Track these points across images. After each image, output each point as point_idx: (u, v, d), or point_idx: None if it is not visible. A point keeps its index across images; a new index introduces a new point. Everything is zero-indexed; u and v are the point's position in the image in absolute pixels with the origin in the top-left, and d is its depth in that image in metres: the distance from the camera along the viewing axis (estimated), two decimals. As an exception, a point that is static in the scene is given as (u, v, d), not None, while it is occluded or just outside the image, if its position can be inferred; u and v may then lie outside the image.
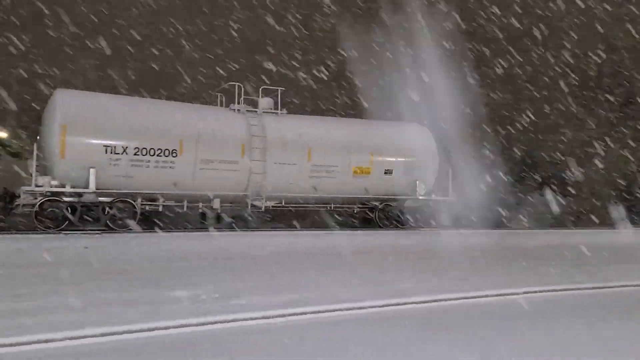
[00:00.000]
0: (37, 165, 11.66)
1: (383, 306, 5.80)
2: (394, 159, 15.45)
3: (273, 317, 5.20)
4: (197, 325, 4.85)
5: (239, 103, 14.20)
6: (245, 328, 4.92)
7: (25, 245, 9.60)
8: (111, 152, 11.98)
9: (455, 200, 16.56)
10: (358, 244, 12.07)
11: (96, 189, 11.83)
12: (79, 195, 11.90)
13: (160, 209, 13.36)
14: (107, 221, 12.21)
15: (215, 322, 4.94)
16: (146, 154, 12.32)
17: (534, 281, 7.53)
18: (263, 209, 14.50)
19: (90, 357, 4.10)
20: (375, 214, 15.59)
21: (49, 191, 11.58)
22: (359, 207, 15.92)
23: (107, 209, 12.22)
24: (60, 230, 11.59)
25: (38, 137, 12.46)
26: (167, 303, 5.70)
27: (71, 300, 5.59)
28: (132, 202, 12.46)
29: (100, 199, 12.23)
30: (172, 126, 12.73)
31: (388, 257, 9.92)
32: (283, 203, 14.59)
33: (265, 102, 14.88)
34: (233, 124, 13.59)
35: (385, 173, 15.32)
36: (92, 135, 11.88)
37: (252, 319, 5.14)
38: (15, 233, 11.25)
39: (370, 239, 13.10)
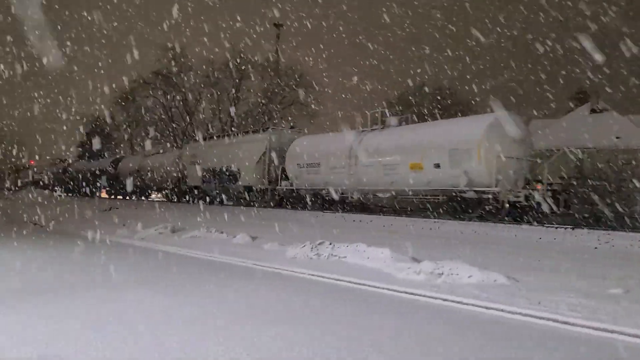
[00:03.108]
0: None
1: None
2: (440, 153, 16.95)
3: None
4: None
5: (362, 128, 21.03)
6: None
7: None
8: (299, 167, 23.03)
9: (500, 190, 15.25)
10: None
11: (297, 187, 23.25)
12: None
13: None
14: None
15: None
16: (307, 167, 22.45)
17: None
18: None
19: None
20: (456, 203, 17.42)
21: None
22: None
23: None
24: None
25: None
26: None
27: None
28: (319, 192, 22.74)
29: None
30: (318, 151, 22.07)
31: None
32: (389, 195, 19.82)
33: (391, 120, 20.53)
34: (344, 142, 20.89)
35: (434, 167, 17.18)
36: (292, 160, 23.42)
37: None
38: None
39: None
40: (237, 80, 48.48)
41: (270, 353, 4.28)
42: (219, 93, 48.65)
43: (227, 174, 27.60)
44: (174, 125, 50.67)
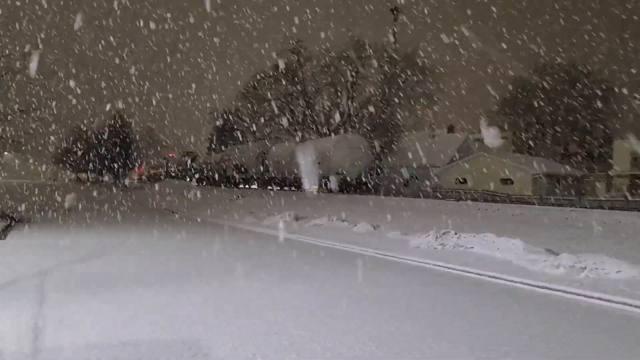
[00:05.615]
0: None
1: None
2: (319, 156, 31.50)
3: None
4: None
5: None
6: None
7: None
8: (273, 162, 37.92)
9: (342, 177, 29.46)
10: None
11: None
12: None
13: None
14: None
15: None
16: (276, 163, 37.24)
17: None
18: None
19: None
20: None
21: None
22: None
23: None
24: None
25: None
26: None
27: None
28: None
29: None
30: (279, 154, 36.93)
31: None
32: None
33: (312, 136, 34.79)
34: (290, 150, 35.50)
35: (318, 163, 32.52)
36: (270, 159, 38.45)
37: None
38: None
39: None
40: (354, 68, 46.17)
41: (397, 347, 4.11)
42: (337, 82, 47.49)
43: (244, 167, 43.32)
44: (293, 116, 50.24)
